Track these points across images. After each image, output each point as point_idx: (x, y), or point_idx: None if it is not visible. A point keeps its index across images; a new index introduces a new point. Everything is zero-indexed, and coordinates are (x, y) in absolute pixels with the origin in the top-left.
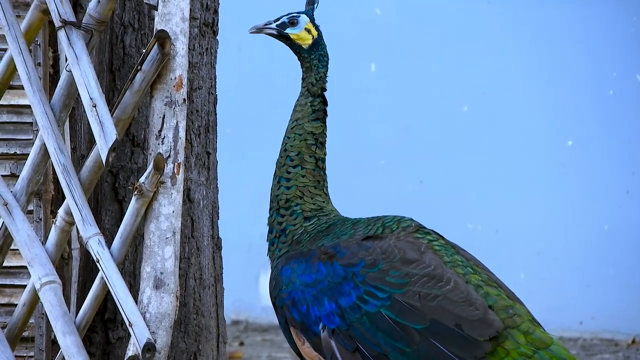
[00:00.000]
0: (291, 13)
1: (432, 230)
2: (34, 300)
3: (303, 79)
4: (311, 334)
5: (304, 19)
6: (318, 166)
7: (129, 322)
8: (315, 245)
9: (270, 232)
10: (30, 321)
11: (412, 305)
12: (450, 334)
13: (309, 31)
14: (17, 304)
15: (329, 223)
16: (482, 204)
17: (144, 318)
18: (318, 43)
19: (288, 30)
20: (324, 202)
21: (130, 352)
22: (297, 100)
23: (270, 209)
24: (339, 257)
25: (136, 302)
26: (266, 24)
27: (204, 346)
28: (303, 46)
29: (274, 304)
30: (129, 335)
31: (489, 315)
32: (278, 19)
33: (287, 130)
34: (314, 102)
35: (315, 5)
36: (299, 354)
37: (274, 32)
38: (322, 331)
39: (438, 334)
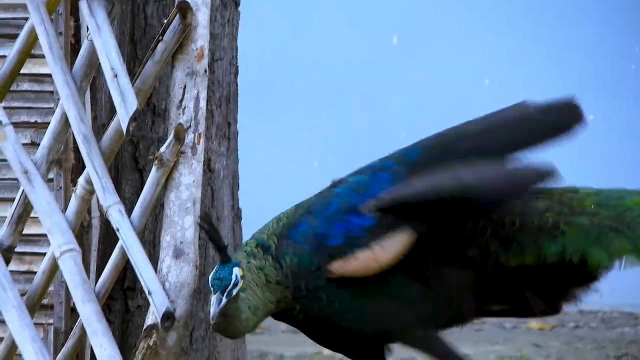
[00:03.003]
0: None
1: None
2: (54, 268)
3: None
4: (361, 238)
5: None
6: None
7: (148, 290)
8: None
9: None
10: (50, 289)
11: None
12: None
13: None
14: (36, 272)
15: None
16: None
17: (164, 287)
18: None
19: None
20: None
21: (149, 320)
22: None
23: None
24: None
25: (156, 271)
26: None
27: None
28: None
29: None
30: (148, 303)
31: None
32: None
33: None
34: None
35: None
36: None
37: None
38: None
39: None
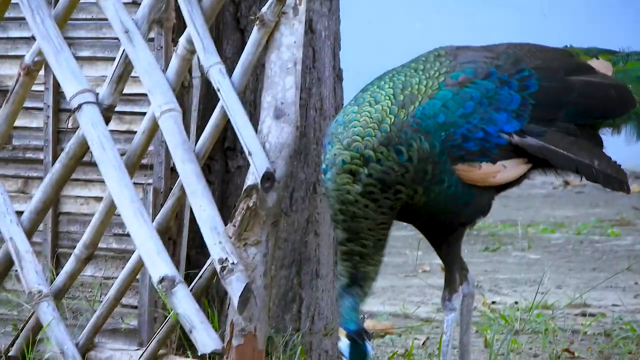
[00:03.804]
0: None
1: None
2: (154, 127)
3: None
4: (492, 152)
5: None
6: None
7: (249, 151)
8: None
9: None
10: (150, 148)
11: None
12: None
13: None
14: (136, 131)
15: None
16: None
17: (264, 148)
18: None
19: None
20: None
21: (249, 181)
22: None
23: None
24: (471, 75)
25: (256, 132)
26: None
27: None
28: None
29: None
30: (248, 164)
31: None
32: None
33: None
34: None
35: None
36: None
37: None
38: (510, 138)
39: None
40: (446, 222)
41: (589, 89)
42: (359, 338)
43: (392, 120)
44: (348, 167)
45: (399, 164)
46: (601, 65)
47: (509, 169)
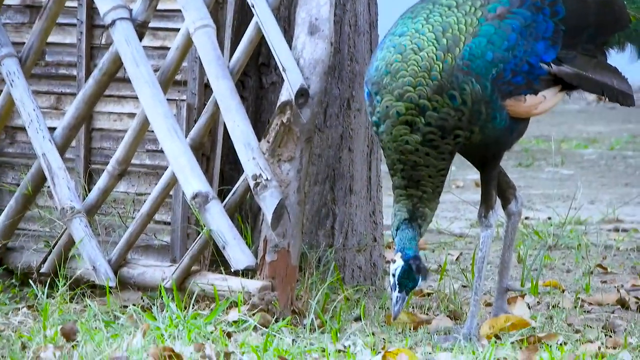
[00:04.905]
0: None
1: None
2: (188, 43)
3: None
4: (535, 84)
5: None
6: None
7: (283, 67)
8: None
9: None
10: (184, 64)
11: None
12: None
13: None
14: (170, 47)
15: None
16: None
17: (298, 64)
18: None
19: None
20: None
21: (283, 97)
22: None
23: None
24: (508, 5)
25: (290, 48)
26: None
27: (358, 92)
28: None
29: (482, 94)
30: (283, 80)
31: None
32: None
33: None
34: None
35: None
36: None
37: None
38: (550, 67)
39: None
40: (494, 151)
41: (601, 8)
42: (414, 265)
43: (441, 67)
44: (404, 119)
45: (455, 108)
46: None
47: (548, 99)
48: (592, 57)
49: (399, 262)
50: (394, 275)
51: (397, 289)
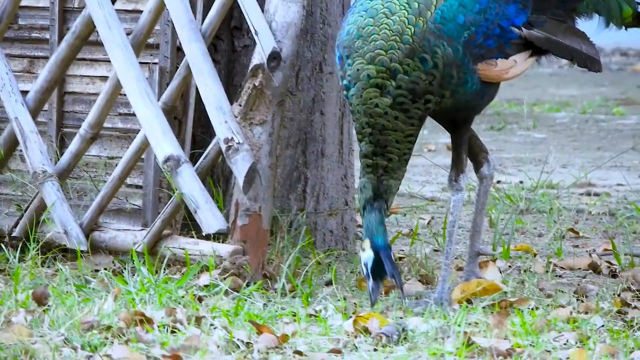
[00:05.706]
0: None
1: None
2: (160, 7)
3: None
4: (506, 48)
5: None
6: None
7: (255, 30)
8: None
9: None
10: (156, 28)
11: None
12: None
13: None
14: (142, 11)
15: None
16: None
17: (270, 27)
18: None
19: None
20: None
21: (255, 60)
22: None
23: None
24: None
25: (263, 11)
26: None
27: (330, 56)
28: None
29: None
30: (255, 43)
31: None
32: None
33: None
34: None
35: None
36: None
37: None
38: (520, 31)
39: None
40: (465, 115)
41: None
42: (383, 255)
43: (413, 30)
44: (374, 82)
45: (426, 72)
46: None
47: (519, 63)
48: (562, 22)
49: (369, 253)
50: (365, 265)
51: (371, 279)
